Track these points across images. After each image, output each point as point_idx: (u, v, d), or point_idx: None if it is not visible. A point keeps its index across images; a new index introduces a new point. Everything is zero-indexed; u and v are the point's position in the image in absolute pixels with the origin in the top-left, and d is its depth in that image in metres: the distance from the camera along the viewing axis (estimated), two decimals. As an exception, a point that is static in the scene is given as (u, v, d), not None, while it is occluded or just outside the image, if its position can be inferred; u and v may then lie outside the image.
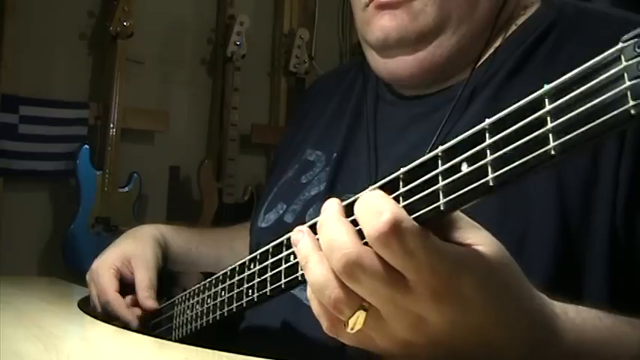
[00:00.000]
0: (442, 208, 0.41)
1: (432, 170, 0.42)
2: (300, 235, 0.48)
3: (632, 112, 0.32)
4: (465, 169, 0.39)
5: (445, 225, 0.43)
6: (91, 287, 0.92)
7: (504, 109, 0.38)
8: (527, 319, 0.46)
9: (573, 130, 0.34)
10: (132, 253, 0.91)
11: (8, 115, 2.05)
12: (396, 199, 0.43)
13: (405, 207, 0.43)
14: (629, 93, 0.32)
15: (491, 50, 0.74)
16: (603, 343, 0.52)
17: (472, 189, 0.39)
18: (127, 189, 2.24)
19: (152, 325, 0.89)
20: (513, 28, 0.75)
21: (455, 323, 0.43)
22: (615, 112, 0.33)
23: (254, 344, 0.78)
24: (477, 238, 0.44)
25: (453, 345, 0.45)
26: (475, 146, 0.39)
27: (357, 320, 0.44)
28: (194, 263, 0.98)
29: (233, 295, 0.66)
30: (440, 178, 0.41)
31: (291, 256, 0.54)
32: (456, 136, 0.41)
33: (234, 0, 2.53)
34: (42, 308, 0.92)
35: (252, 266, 0.62)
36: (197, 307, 0.77)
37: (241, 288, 0.64)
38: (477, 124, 0.40)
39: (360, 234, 0.43)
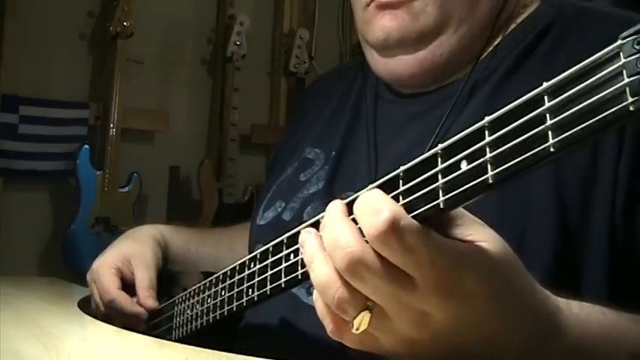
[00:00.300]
0: (442, 206, 0.41)
1: (432, 168, 0.42)
2: (307, 236, 0.48)
3: (631, 108, 0.32)
4: (464, 166, 0.40)
5: (447, 221, 0.43)
6: (92, 287, 0.91)
7: (503, 107, 0.38)
8: (530, 314, 0.47)
9: (572, 126, 0.34)
10: (132, 253, 0.91)
11: (8, 115, 2.05)
12: (396, 197, 0.44)
13: (404, 205, 0.43)
14: (627, 89, 0.32)
15: (491, 48, 0.75)
16: (607, 338, 0.52)
17: (472, 187, 0.39)
18: (127, 189, 2.24)
19: (152, 324, 0.89)
20: (513, 26, 0.75)
21: (459, 319, 0.44)
22: (614, 109, 0.33)
23: (253, 342, 0.78)
24: (480, 234, 0.44)
25: (457, 342, 0.45)
26: (474, 144, 0.39)
27: (362, 320, 0.44)
28: (193, 263, 0.98)
29: (233, 294, 0.66)
30: (439, 176, 0.41)
31: (292, 255, 0.54)
32: (455, 134, 0.41)
33: (234, 0, 2.53)
34: (42, 308, 0.92)
35: (252, 265, 0.62)
36: (197, 306, 0.77)
37: (241, 287, 0.64)
38: (476, 121, 0.40)
39: (362, 233, 0.43)
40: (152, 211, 2.39)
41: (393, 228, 0.40)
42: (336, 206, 0.46)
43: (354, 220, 0.44)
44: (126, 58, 2.20)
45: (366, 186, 0.47)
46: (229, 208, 2.38)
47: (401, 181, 0.44)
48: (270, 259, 0.58)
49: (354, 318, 0.44)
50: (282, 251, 0.56)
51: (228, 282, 0.68)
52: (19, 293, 0.99)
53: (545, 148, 0.35)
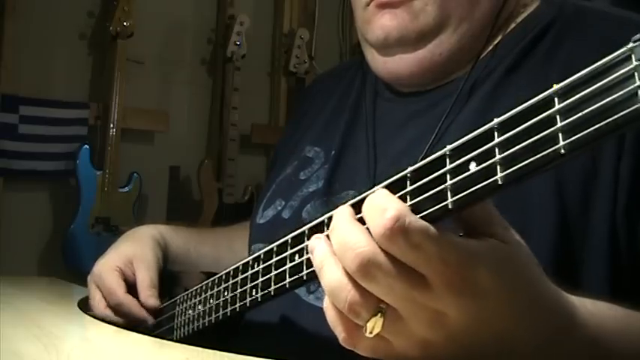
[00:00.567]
0: (450, 206, 0.41)
1: (440, 169, 0.42)
2: (316, 242, 0.47)
3: (642, 111, 0.32)
4: (473, 167, 0.39)
5: (465, 219, 0.43)
6: (92, 291, 0.90)
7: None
8: (544, 310, 0.46)
9: (583, 129, 0.34)
10: (133, 254, 0.90)
11: (8, 115, 2.05)
12: (404, 197, 0.43)
13: (412, 205, 0.43)
14: (639, 92, 0.32)
15: (491, 47, 0.75)
16: (622, 334, 0.52)
17: (480, 188, 0.39)
18: (127, 189, 2.24)
19: (153, 324, 0.88)
20: (513, 25, 0.75)
21: (473, 317, 0.43)
22: (625, 112, 0.33)
23: (253, 341, 0.78)
24: (494, 231, 0.44)
25: (471, 341, 0.45)
26: (483, 145, 0.39)
27: (376, 323, 0.43)
28: (193, 263, 0.98)
29: (236, 294, 0.66)
30: (448, 176, 0.41)
31: (296, 255, 0.54)
32: (461, 135, 0.41)
33: (234, 0, 2.53)
34: (42, 308, 0.92)
35: (255, 265, 0.61)
36: (199, 306, 0.76)
37: (245, 287, 0.63)
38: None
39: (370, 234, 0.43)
40: (152, 211, 2.39)
41: (399, 225, 0.40)
42: (344, 210, 0.46)
43: (362, 220, 0.44)
44: (126, 58, 2.20)
45: (368, 185, 0.47)
46: (229, 208, 2.38)
47: (409, 182, 0.44)
48: (274, 259, 0.57)
49: (367, 321, 0.44)
50: (286, 251, 0.56)
51: (231, 282, 0.67)
52: (19, 293, 0.99)
53: (555, 149, 0.35)
